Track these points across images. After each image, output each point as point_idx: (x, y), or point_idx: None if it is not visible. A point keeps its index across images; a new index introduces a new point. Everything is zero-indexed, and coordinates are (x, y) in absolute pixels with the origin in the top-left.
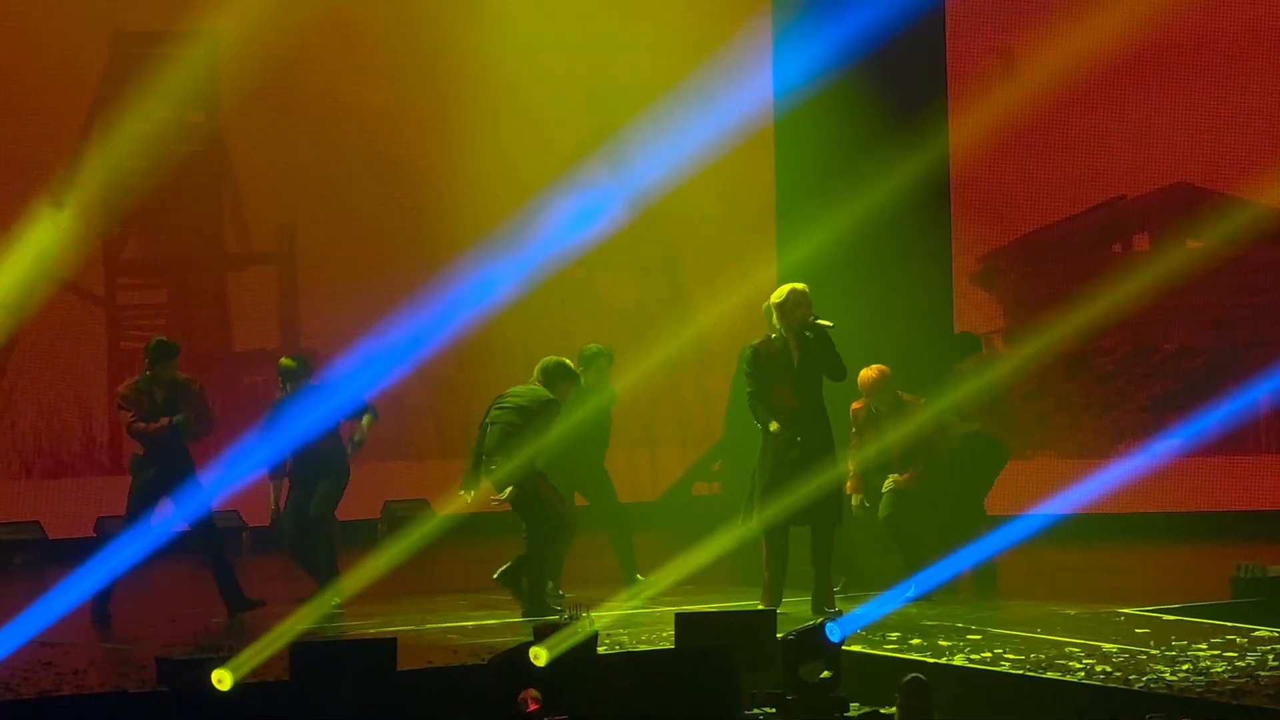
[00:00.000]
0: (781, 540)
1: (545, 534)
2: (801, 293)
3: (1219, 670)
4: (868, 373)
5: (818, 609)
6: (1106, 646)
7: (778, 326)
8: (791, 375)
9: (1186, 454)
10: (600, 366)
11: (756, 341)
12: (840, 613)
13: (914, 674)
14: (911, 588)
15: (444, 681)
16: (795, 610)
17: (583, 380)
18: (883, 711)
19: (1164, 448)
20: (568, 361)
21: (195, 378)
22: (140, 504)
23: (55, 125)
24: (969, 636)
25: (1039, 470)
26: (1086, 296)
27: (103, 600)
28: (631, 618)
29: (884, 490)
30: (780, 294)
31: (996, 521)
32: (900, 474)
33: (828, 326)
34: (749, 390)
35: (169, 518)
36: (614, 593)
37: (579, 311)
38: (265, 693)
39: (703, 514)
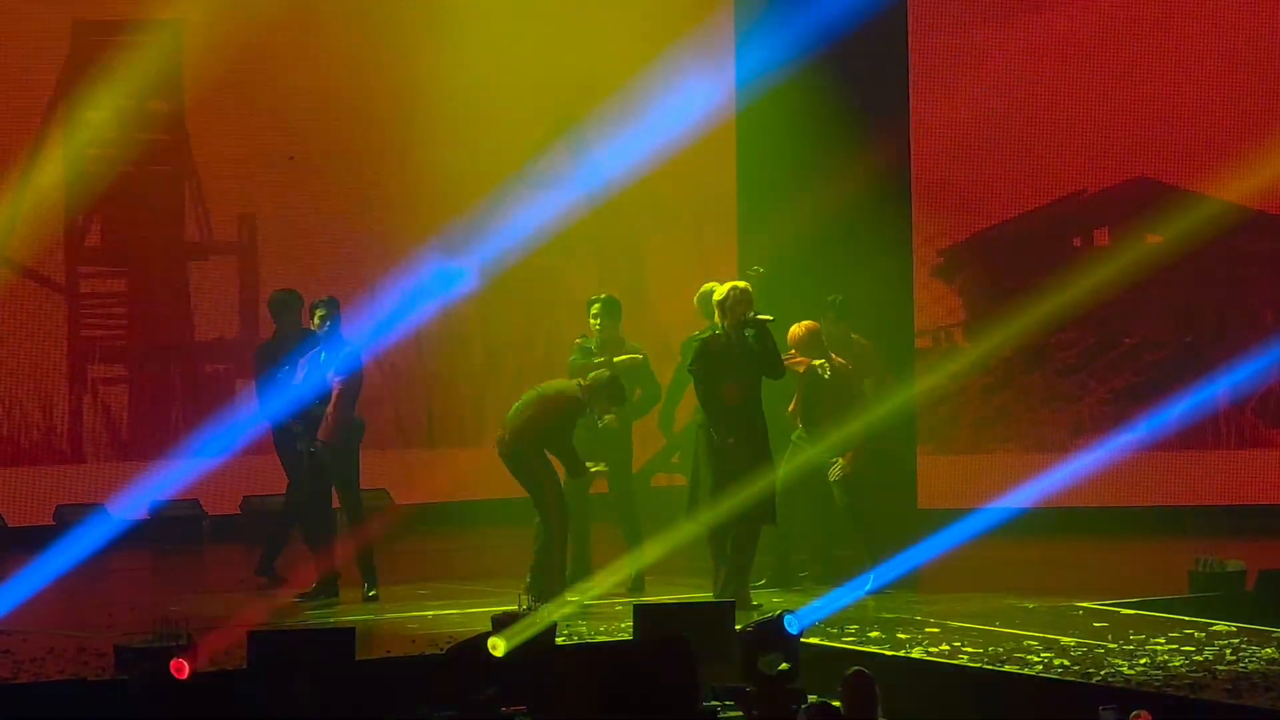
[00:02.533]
0: (725, 543)
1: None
2: (743, 290)
3: (1177, 664)
4: (796, 329)
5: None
6: (1065, 640)
7: (719, 322)
8: (735, 371)
9: (1146, 448)
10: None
11: (705, 335)
12: (759, 606)
13: (857, 666)
14: (870, 580)
15: (402, 671)
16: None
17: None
18: (833, 704)
19: (1124, 441)
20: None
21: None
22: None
23: (17, 114)
24: (927, 629)
25: (999, 464)
26: (1047, 290)
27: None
28: (590, 609)
29: (831, 478)
30: (722, 291)
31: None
32: (842, 456)
33: (768, 320)
34: (702, 390)
35: None
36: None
37: (540, 302)
38: (223, 681)
39: (662, 505)
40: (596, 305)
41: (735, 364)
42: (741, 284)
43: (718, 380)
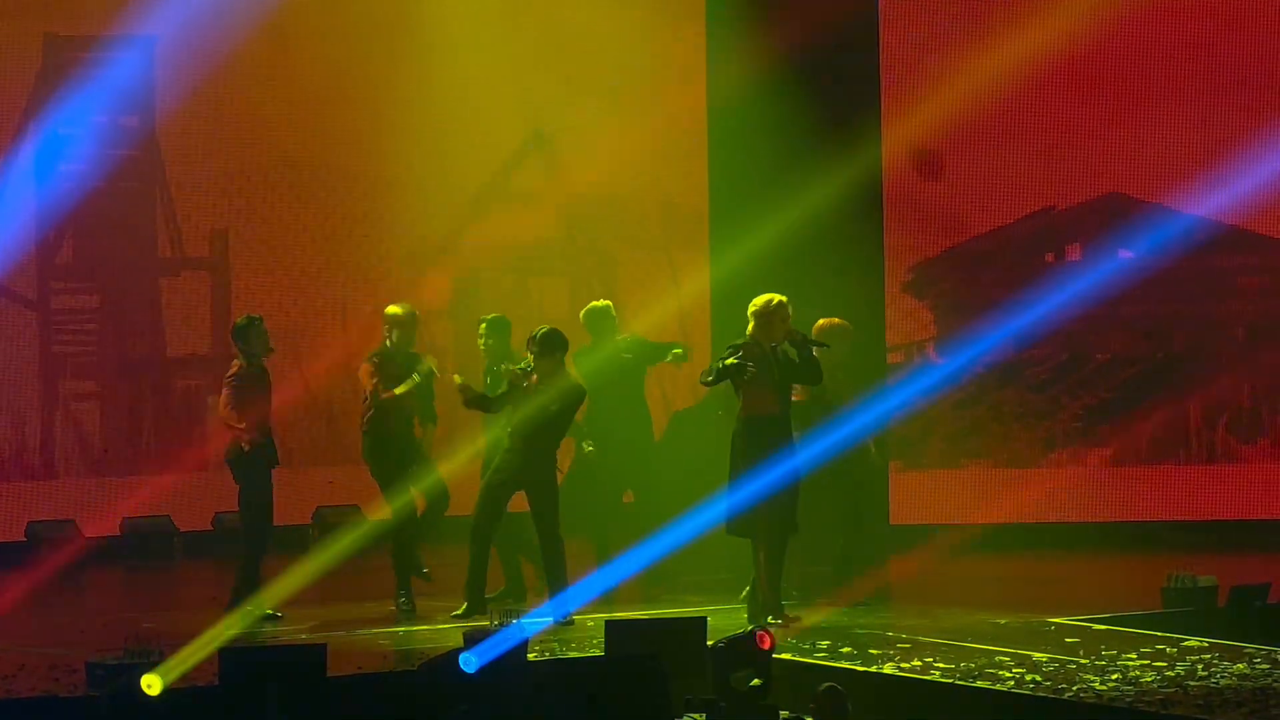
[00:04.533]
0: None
1: None
2: (786, 304)
3: (1148, 680)
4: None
5: (755, 618)
6: (1037, 656)
7: (752, 332)
8: (773, 382)
9: (1117, 464)
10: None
11: (741, 342)
12: (782, 622)
13: (829, 683)
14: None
15: (374, 688)
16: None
17: None
18: (806, 719)
19: (1096, 457)
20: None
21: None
22: None
23: None
24: (899, 645)
25: (971, 479)
26: (1019, 305)
27: None
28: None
29: None
30: (759, 302)
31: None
32: None
33: (823, 347)
34: (742, 398)
35: None
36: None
37: (513, 318)
38: (195, 698)
39: (632, 521)
40: (484, 325)
41: (775, 373)
42: (781, 297)
43: (758, 388)
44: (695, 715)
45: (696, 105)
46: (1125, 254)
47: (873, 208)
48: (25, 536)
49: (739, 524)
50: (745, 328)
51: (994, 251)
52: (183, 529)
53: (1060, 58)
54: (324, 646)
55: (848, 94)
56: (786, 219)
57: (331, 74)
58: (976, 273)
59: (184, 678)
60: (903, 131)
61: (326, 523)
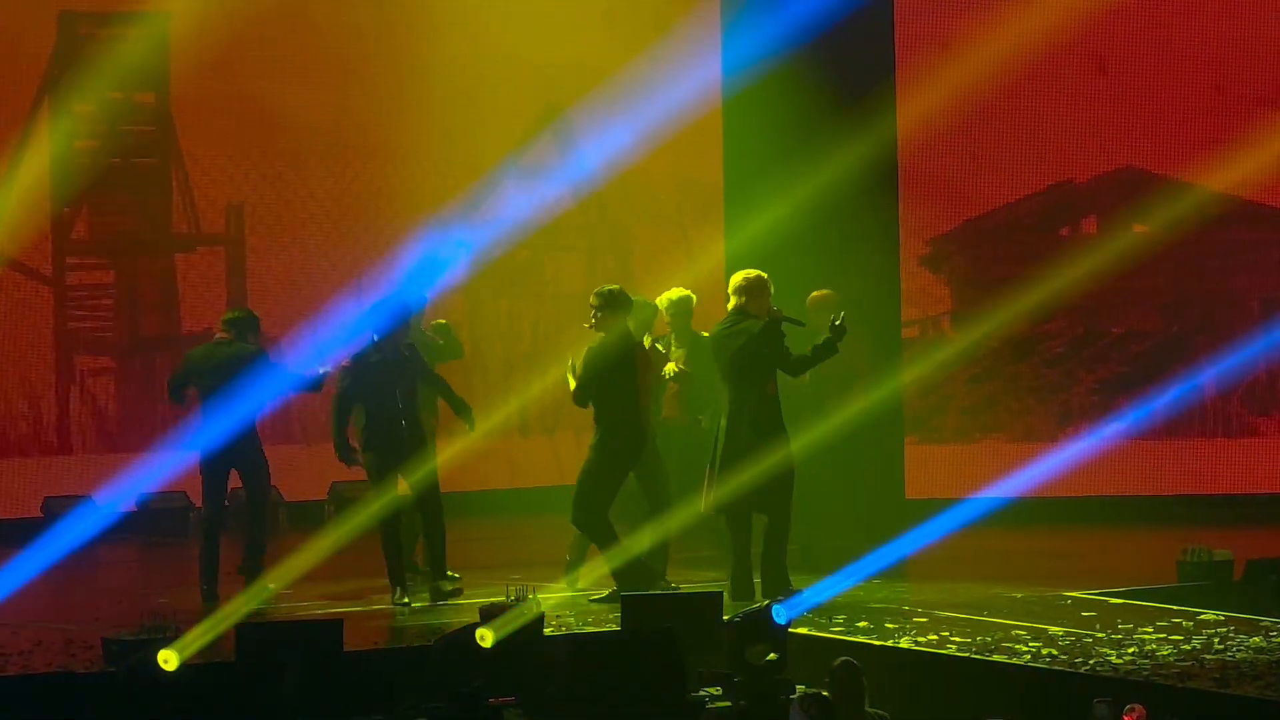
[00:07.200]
0: (745, 529)
1: None
2: (768, 280)
3: (1165, 653)
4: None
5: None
6: (1053, 630)
7: (745, 309)
8: (772, 363)
9: (1133, 438)
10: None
11: (757, 327)
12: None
13: (844, 657)
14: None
15: (391, 662)
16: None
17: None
18: (822, 694)
19: (1111, 431)
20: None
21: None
22: None
23: (2, 105)
24: (916, 619)
25: (987, 453)
26: (1034, 279)
27: None
28: (577, 600)
29: None
30: (750, 275)
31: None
32: None
33: (799, 324)
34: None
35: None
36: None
37: (527, 293)
38: (211, 673)
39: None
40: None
41: (773, 356)
42: (763, 274)
43: (767, 373)
44: (711, 690)
45: (712, 79)
46: (1140, 228)
47: (888, 182)
48: (41, 512)
49: (742, 502)
50: (728, 305)
51: (1009, 226)
52: (198, 505)
53: (1075, 31)
54: (340, 621)
55: (862, 68)
56: (801, 193)
57: (346, 49)
58: (992, 247)
59: (200, 653)
60: (918, 105)
61: (342, 498)
